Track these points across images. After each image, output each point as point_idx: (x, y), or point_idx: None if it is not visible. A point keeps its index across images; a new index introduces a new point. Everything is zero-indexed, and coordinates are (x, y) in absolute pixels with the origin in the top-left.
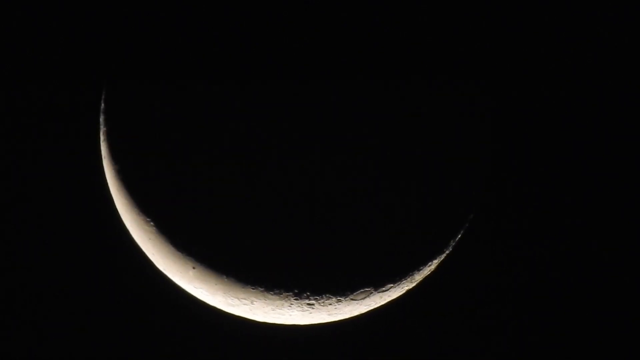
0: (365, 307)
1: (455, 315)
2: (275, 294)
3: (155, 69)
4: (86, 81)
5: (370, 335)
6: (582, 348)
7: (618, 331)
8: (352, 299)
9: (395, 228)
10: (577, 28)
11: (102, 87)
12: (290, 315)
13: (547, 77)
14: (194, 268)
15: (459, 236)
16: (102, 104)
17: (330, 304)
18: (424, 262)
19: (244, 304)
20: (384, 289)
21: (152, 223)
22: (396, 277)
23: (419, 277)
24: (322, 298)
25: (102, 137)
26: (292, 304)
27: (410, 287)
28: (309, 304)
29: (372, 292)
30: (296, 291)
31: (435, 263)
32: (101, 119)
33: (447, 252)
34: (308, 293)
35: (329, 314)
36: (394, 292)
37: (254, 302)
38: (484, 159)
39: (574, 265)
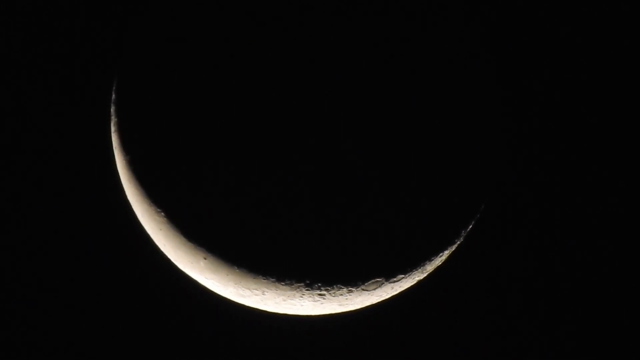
0: (377, 298)
1: (466, 305)
2: (286, 284)
3: (166, 60)
4: (97, 72)
5: (382, 325)
6: (594, 338)
7: (629, 331)
8: (363, 290)
9: (406, 218)
10: (593, 18)
11: (113, 78)
12: (302, 305)
13: (562, 70)
14: (205, 259)
15: (470, 227)
16: (113, 95)
17: (342, 295)
18: (435, 253)
19: (255, 295)
20: (395, 279)
21: (162, 214)
22: (407, 268)
23: (430, 267)
24: (333, 288)
25: (112, 128)
26: (303, 294)
27: (422, 277)
28: (320, 295)
29: (383, 283)
30: (307, 281)
31: (446, 253)
32: (112, 110)
33: (458, 242)
34: (319, 283)
35: (340, 305)
36: (405, 283)
37: (265, 293)
38: (496, 150)
39: (585, 256)
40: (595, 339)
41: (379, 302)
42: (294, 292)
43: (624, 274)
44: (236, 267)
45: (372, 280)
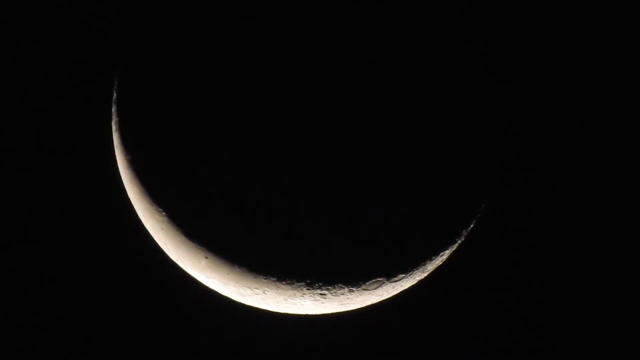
0: (377, 297)
1: (467, 304)
2: (287, 283)
3: (167, 60)
4: (98, 71)
5: (383, 325)
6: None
7: (630, 330)
8: (364, 289)
9: (407, 218)
10: (594, 18)
11: (114, 77)
12: (303, 305)
13: (564, 70)
14: (206, 258)
15: (471, 226)
16: (114, 94)
17: (343, 294)
18: (436, 252)
19: (256, 294)
20: (396, 279)
21: (164, 213)
22: (408, 267)
23: (431, 267)
24: (334, 288)
25: (114, 127)
26: (304, 293)
27: (422, 277)
28: (321, 294)
29: (384, 282)
30: (308, 281)
31: (447, 253)
32: (113, 109)
33: (459, 242)
34: (320, 283)
35: (341, 304)
36: (406, 282)
37: (266, 292)
38: (496, 149)
39: (586, 255)
40: (596, 339)
41: (379, 302)
42: (295, 291)
43: (625, 273)
44: (237, 267)
45: (373, 280)
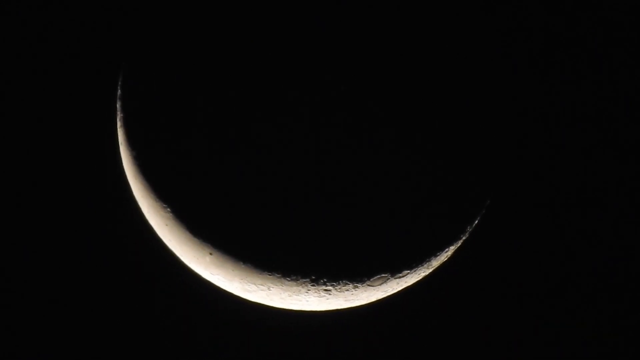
0: (382, 293)
1: (472, 301)
2: (292, 280)
3: (172, 55)
4: (103, 68)
5: (387, 321)
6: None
7: (632, 330)
8: (368, 285)
9: (412, 214)
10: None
11: (119, 73)
12: (307, 301)
13: (570, 68)
14: (210, 254)
15: (476, 222)
16: (119, 90)
17: (347, 290)
18: (441, 248)
19: (261, 290)
20: (400, 275)
21: (168, 209)
22: (413, 263)
23: (435, 263)
24: (338, 284)
25: (118, 124)
26: (309, 290)
27: (427, 273)
28: (325, 290)
29: (388, 278)
30: (313, 277)
31: (451, 249)
32: (118, 105)
33: (464, 238)
34: (325, 279)
35: (345, 300)
36: (411, 278)
37: (271, 288)
38: (502, 146)
39: (590, 253)
40: (597, 339)
41: (384, 298)
42: (300, 287)
43: (628, 272)
44: (242, 263)
45: (378, 276)
